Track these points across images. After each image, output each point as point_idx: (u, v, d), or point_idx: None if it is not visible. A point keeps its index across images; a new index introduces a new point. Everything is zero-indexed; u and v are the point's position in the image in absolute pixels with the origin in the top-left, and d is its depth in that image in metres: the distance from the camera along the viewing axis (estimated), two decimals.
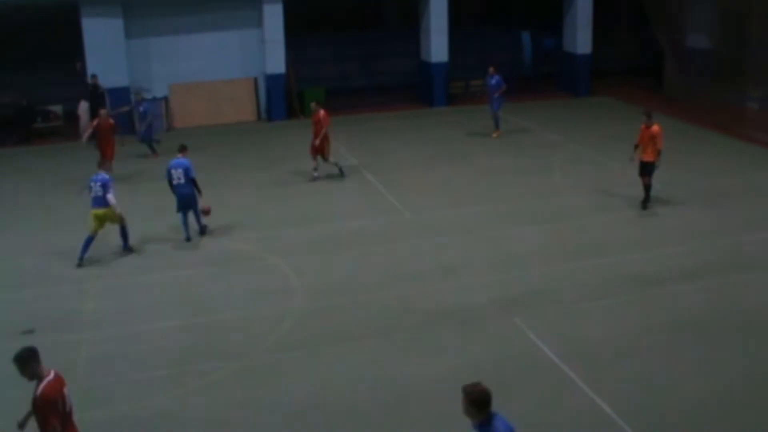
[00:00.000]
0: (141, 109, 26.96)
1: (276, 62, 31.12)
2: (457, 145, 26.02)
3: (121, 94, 29.99)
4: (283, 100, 31.67)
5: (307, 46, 33.83)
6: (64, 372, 12.71)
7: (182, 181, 18.32)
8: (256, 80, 31.75)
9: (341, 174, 22.96)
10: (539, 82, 35.34)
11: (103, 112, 24.07)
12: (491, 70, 27.23)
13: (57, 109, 31.90)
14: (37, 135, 30.65)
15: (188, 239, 18.43)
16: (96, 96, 28.99)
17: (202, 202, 18.46)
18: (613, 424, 11.10)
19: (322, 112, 22.72)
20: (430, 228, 18.61)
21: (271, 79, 31.28)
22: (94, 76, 28.92)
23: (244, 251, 17.88)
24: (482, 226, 18.67)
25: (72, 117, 31.02)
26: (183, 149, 18.72)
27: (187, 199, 18.40)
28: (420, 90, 33.78)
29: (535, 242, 17.64)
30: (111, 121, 23.89)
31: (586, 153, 24.40)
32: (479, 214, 19.49)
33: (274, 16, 30.79)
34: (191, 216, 18.65)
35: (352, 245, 17.83)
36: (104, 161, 18.82)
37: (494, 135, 26.94)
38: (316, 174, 22.77)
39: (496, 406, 7.97)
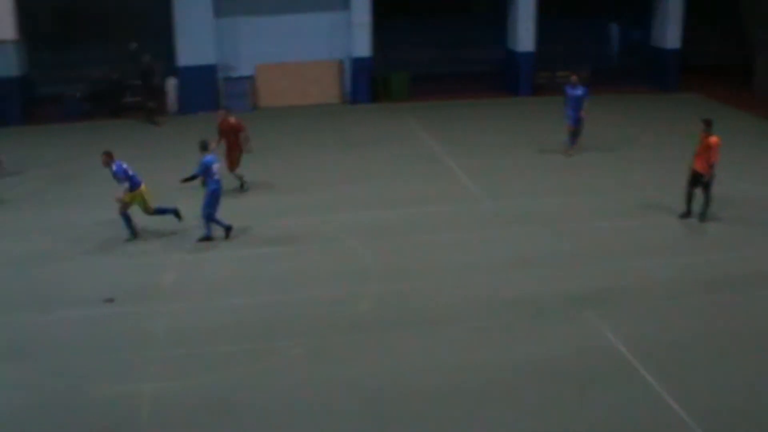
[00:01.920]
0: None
1: (362, 45, 31.22)
2: (540, 136, 25.83)
3: (207, 72, 30.46)
4: (368, 84, 31.79)
5: (393, 31, 33.87)
6: (142, 342, 13.16)
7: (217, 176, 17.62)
8: (341, 63, 31.93)
9: (242, 188, 21.01)
10: (625, 76, 34.86)
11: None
12: (574, 78, 23.38)
13: (140, 83, 32.45)
14: (126, 109, 31.26)
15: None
16: (147, 75, 29.74)
17: None
18: (683, 425, 11.00)
19: (233, 119, 20.71)
20: (509, 217, 18.56)
21: (357, 63, 31.41)
22: (146, 56, 29.53)
23: (322, 231, 18.05)
24: (560, 218, 18.55)
25: (160, 93, 31.63)
26: (205, 147, 17.83)
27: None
28: (505, 79, 33.62)
29: (612, 237, 17.48)
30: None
31: (667, 149, 24.00)
32: (558, 205, 19.37)
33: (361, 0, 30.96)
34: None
35: (430, 230, 17.88)
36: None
37: (569, 152, 23.55)
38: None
39: (567, 398, 8.02)
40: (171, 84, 30.94)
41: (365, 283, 15.39)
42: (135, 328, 13.92)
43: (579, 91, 23.18)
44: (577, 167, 22.38)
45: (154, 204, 17.92)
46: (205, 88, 30.58)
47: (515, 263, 16.10)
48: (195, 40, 30.16)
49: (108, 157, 17.46)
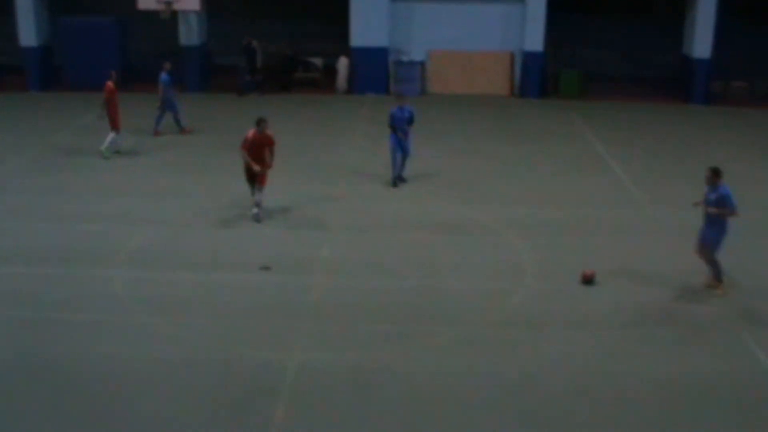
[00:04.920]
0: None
1: (535, 40, 30.98)
2: (708, 146, 25.06)
3: (379, 55, 30.85)
4: (539, 79, 31.54)
5: (567, 26, 33.46)
6: (294, 312, 13.48)
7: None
8: (512, 55, 31.77)
9: (104, 156, 22.07)
10: None
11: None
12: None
13: (317, 61, 33.21)
14: (297, 84, 32.02)
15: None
16: (250, 54, 30.96)
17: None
18: None
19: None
20: (670, 225, 18.09)
21: (529, 56, 31.19)
22: (248, 38, 30.71)
23: (480, 222, 18.05)
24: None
25: (331, 71, 32.29)
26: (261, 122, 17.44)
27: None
28: (679, 85, 32.74)
29: None
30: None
31: None
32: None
33: None
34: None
35: (587, 232, 17.63)
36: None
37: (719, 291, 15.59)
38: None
39: (704, 415, 7.59)
40: (342, 63, 31.49)
41: (518, 278, 15.29)
42: (288, 298, 14.26)
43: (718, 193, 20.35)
44: (745, 184, 21.57)
45: None
46: (376, 70, 30.98)
47: (672, 273, 15.62)
48: (369, 22, 30.59)
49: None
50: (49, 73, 32.30)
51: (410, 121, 20.00)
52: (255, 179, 17.47)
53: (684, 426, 10.87)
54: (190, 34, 31.08)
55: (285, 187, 18.32)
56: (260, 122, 17.36)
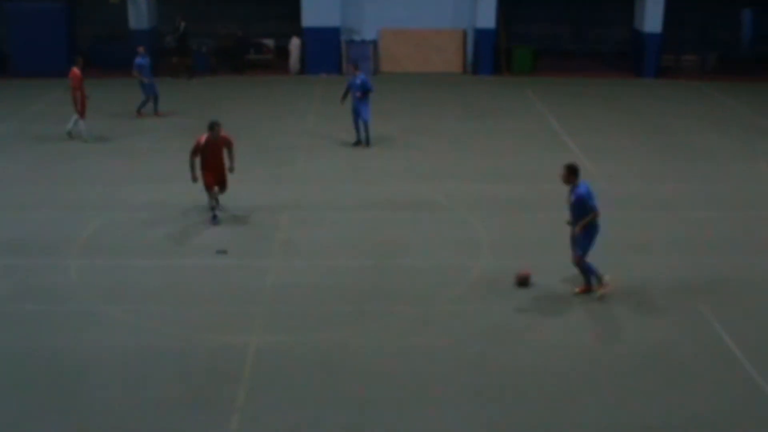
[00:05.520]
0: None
1: (487, 16, 31.00)
2: (661, 119, 25.30)
3: (330, 34, 30.75)
4: (491, 55, 31.58)
5: (519, 4, 33.54)
6: (251, 296, 13.41)
7: None
8: (465, 32, 31.77)
9: (68, 136, 22.32)
10: (758, 65, 33.74)
11: None
12: None
13: (269, 43, 33.03)
14: (249, 66, 31.82)
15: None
16: (181, 38, 31.12)
17: None
18: None
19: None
20: (625, 200, 18.21)
21: (481, 33, 31.23)
22: (180, 21, 30.85)
23: (436, 201, 18.06)
24: (678, 205, 18.14)
25: (282, 52, 32.15)
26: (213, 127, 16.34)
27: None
28: (630, 59, 32.94)
29: (728, 229, 16.98)
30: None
31: None
32: (676, 192, 18.93)
33: None
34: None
35: (542, 208, 17.69)
36: None
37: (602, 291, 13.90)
38: None
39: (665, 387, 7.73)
40: (294, 44, 31.33)
41: (476, 254, 15.34)
42: (246, 281, 14.20)
43: None
44: (697, 155, 21.81)
45: None
46: (329, 50, 30.87)
47: (628, 248, 15.74)
48: (320, 2, 30.43)
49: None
50: None
51: (362, 87, 21.66)
52: (214, 185, 16.47)
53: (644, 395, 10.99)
54: (139, 18, 30.76)
55: (238, 169, 18.19)
56: (213, 126, 16.21)
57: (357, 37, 31.29)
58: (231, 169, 16.73)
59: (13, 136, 22.93)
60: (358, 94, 21.61)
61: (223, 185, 16.72)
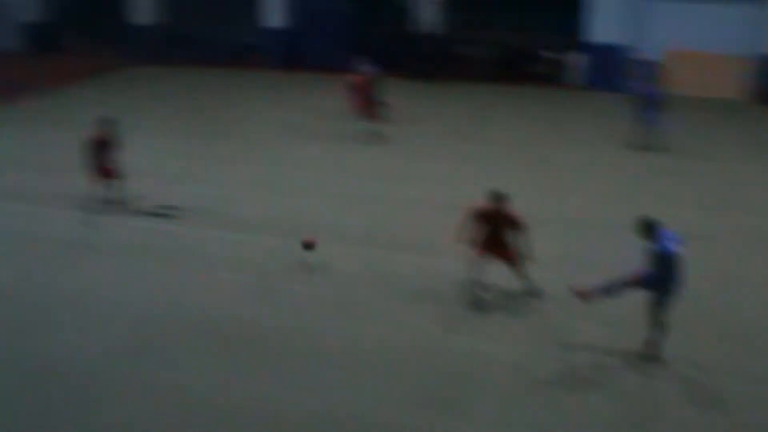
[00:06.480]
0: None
1: None
2: None
3: (614, 51, 30.71)
4: None
5: None
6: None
7: None
8: (751, 59, 30.71)
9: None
10: None
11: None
12: None
13: (552, 55, 33.27)
14: (526, 77, 32.17)
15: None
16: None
17: None
18: None
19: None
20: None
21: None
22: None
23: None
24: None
25: (559, 65, 32.41)
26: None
27: None
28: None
29: None
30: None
31: None
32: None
33: None
34: None
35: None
36: None
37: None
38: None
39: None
40: (574, 58, 31.54)
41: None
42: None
43: None
44: None
45: None
46: (611, 67, 30.90)
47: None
48: (610, 19, 30.52)
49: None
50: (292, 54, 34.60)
51: (656, 97, 22.41)
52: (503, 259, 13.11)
53: None
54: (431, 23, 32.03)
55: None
56: (498, 198, 12.74)
57: (641, 56, 30.98)
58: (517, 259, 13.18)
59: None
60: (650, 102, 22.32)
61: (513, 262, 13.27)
